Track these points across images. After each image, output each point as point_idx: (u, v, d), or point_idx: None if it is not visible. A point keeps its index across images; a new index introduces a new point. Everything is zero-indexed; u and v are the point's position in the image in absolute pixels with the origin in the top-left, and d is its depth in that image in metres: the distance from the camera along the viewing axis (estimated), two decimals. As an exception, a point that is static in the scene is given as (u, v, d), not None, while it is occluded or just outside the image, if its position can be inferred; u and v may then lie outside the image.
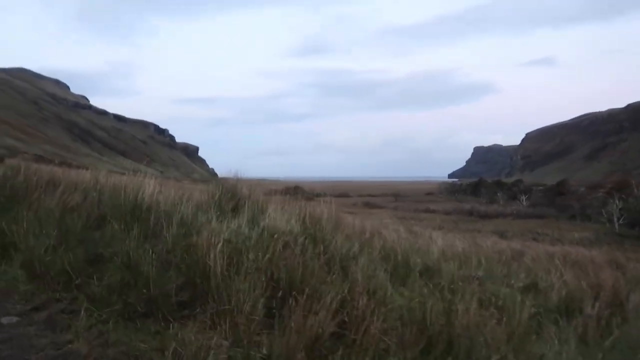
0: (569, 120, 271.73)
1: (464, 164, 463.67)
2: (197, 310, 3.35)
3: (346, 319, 3.25)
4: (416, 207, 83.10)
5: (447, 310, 3.63)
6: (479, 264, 6.11)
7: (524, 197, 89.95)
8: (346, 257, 4.24)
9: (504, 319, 3.71)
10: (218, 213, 5.05)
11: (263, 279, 3.42)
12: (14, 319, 3.16)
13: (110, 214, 5.24)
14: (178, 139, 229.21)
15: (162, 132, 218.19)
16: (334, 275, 3.81)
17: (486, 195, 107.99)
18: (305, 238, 4.21)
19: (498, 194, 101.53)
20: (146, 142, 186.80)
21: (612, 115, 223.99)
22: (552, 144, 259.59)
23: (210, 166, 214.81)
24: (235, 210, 5.40)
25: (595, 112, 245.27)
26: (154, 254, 3.67)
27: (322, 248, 4.15)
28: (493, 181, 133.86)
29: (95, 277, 3.65)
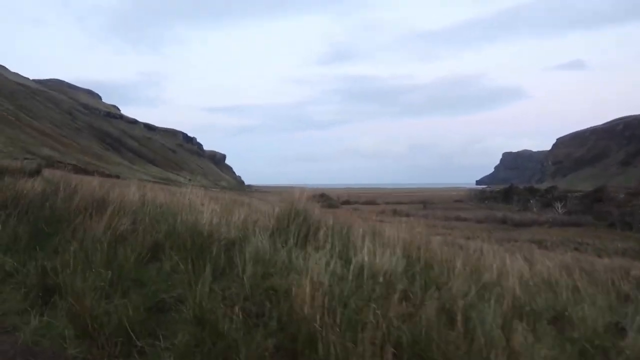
0: (602, 125, 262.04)
1: (492, 170, 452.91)
2: (300, 389, 2.49)
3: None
4: (446, 215, 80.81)
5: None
6: (592, 298, 5.03)
7: (559, 205, 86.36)
8: (466, 306, 3.31)
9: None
10: (294, 243, 4.19)
11: (386, 346, 2.53)
12: (63, 405, 2.38)
13: (164, 242, 4.48)
14: (206, 147, 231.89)
15: (190, 140, 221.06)
16: (463, 335, 2.89)
17: (518, 202, 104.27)
18: (423, 283, 3.31)
19: (531, 201, 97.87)
20: (175, 151, 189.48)
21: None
22: (585, 149, 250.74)
23: (237, 174, 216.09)
24: (309, 238, 4.53)
25: (631, 116, 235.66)
26: (236, 307, 2.84)
27: (440, 295, 3.24)
28: (525, 187, 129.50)
29: (161, 337, 2.84)
